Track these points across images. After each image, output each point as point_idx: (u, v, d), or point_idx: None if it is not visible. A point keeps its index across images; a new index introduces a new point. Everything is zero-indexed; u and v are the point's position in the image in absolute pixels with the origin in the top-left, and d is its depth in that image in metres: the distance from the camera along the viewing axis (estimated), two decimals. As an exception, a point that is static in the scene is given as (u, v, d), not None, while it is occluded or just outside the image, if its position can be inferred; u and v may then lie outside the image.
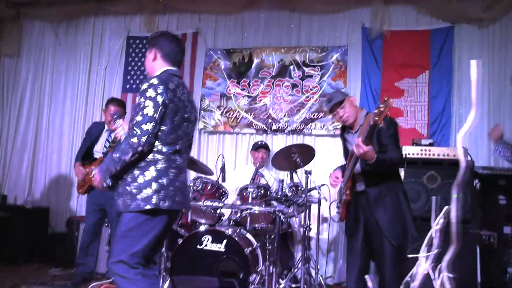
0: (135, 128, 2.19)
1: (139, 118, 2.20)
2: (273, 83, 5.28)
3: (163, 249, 3.87)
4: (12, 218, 5.10)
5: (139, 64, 5.69)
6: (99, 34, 5.94)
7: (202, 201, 3.86)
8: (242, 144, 5.34)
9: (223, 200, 4.01)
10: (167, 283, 3.59)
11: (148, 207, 2.20)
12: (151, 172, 2.23)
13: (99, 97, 5.81)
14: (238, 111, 5.33)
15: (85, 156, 4.24)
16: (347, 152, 3.23)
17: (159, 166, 2.26)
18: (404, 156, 3.86)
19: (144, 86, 2.26)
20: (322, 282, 4.07)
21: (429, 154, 3.87)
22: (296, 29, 5.36)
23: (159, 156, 2.27)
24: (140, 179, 2.22)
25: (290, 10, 5.36)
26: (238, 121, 5.34)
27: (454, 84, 4.83)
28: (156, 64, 2.46)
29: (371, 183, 2.94)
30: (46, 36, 6.13)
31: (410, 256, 2.16)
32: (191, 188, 3.98)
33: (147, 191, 2.21)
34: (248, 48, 5.43)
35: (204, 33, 5.61)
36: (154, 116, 2.21)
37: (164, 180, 2.25)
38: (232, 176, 4.71)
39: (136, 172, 2.24)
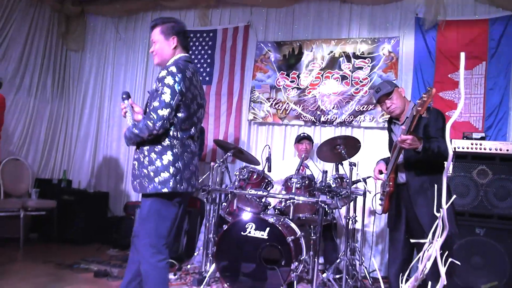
0: (152, 112, 2.31)
1: (156, 103, 2.31)
2: (322, 75, 5.29)
3: (211, 235, 4.06)
4: (76, 201, 5.51)
5: (193, 56, 5.88)
6: (156, 29, 6.21)
7: (248, 189, 3.98)
8: (291, 135, 5.39)
9: (268, 189, 4.11)
10: (213, 266, 3.75)
11: (165, 190, 2.33)
12: (168, 156, 2.35)
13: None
14: (287, 103, 5.40)
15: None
16: (392, 144, 3.22)
17: (175, 150, 2.38)
18: (453, 149, 3.77)
19: (163, 73, 2.36)
20: (367, 274, 4.08)
21: (480, 148, 3.74)
22: (347, 21, 5.33)
23: (175, 141, 2.38)
24: (158, 163, 2.34)
25: (340, 1, 5.33)
26: (287, 112, 5.40)
27: (513, 76, 4.61)
28: (175, 51, 2.54)
29: (412, 174, 2.92)
30: (107, 31, 6.51)
31: (413, 241, 2.14)
32: (237, 176, 4.12)
33: (165, 175, 2.33)
34: (298, 41, 5.47)
35: (255, 26, 5.71)
36: (171, 102, 2.31)
37: (180, 164, 2.38)
38: (280, 166, 4.80)
39: (153, 155, 2.36)
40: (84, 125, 6.45)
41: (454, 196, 1.55)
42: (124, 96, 2.54)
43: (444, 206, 1.10)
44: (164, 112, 2.31)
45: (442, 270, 1.12)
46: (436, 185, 2.84)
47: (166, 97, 2.31)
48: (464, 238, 3.63)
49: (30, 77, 6.00)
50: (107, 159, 6.27)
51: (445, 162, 3.33)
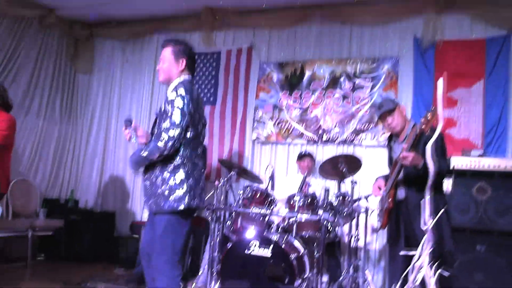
0: (163, 133, 2.42)
1: (166, 124, 2.43)
2: (324, 95, 5.40)
3: (215, 253, 4.12)
4: (83, 221, 5.60)
5: (197, 77, 6.02)
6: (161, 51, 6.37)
7: (252, 208, 4.05)
8: (294, 154, 5.46)
9: (271, 207, 4.18)
10: (218, 284, 3.80)
11: (181, 207, 2.44)
12: (180, 175, 2.47)
13: (161, 110, 6.23)
14: (290, 122, 5.50)
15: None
16: (391, 161, 3.30)
17: (187, 168, 2.50)
18: (452, 167, 3.85)
19: (172, 96, 2.48)
20: (370, 291, 4.11)
21: (479, 165, 3.82)
22: (347, 41, 5.45)
23: (185, 160, 2.50)
24: (171, 181, 2.46)
25: (341, 22, 5.46)
26: (290, 131, 5.50)
27: (510, 93, 4.69)
28: (182, 73, 2.66)
29: (412, 191, 2.99)
30: (115, 54, 6.69)
31: (402, 253, 2.21)
32: (241, 195, 4.20)
33: (179, 192, 2.45)
34: (300, 61, 5.60)
35: (258, 47, 5.85)
36: (181, 123, 2.43)
37: (192, 181, 2.50)
38: (284, 183, 4.88)
39: (166, 174, 2.47)
40: (91, 145, 6.58)
41: (440, 209, 1.62)
42: (127, 123, 2.66)
43: (428, 225, 1.18)
44: (175, 132, 2.42)
45: (432, 282, 1.20)
46: (434, 202, 2.91)
47: (176, 118, 2.43)
48: (466, 255, 3.67)
49: (39, 100, 6.17)
50: (114, 179, 6.37)
51: (448, 180, 3.42)
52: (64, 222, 5.49)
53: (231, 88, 5.86)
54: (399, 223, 3.07)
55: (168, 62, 2.65)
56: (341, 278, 4.01)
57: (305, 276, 3.77)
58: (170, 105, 2.47)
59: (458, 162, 3.88)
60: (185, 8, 5.83)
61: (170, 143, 2.41)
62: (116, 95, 6.58)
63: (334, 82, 5.38)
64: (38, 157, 6.16)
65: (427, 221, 1.16)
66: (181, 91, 2.48)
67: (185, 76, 2.65)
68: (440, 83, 1.13)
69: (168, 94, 2.55)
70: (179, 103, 2.45)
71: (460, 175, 3.83)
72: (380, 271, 4.86)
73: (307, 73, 5.52)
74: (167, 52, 2.66)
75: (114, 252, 5.47)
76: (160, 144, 2.41)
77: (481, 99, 4.80)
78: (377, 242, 4.86)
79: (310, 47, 5.62)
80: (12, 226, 5.05)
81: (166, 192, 2.45)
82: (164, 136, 2.41)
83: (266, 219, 4.13)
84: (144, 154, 2.47)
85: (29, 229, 5.07)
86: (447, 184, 3.81)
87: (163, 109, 2.53)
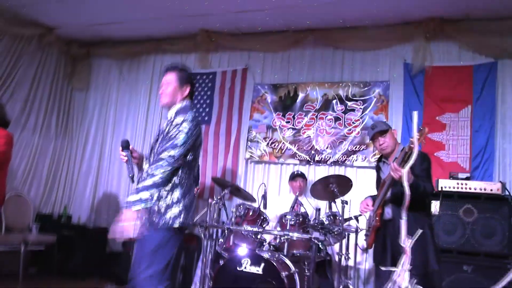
0: (164, 152, 2.50)
1: (168, 146, 2.51)
2: (316, 116, 5.53)
3: (207, 270, 4.17)
4: (75, 237, 5.62)
5: (193, 97, 6.12)
6: (158, 71, 6.51)
7: (244, 226, 4.12)
8: (286, 173, 5.56)
9: (264, 226, 4.25)
10: (209, 302, 3.85)
11: (177, 224, 2.52)
12: (177, 193, 2.56)
13: (156, 128, 6.33)
14: (283, 143, 5.61)
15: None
16: (379, 181, 3.41)
17: (184, 189, 2.59)
18: (440, 189, 3.96)
19: (179, 119, 2.58)
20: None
21: (466, 188, 3.93)
22: (339, 66, 5.61)
23: (183, 181, 2.60)
24: (168, 199, 2.54)
25: (333, 47, 5.64)
26: (282, 152, 5.61)
27: (497, 118, 4.84)
28: (185, 98, 2.78)
29: (399, 210, 3.08)
30: (111, 72, 6.81)
31: (383, 268, 2.29)
32: (234, 213, 4.28)
33: (175, 210, 2.53)
34: (293, 83, 5.74)
35: (253, 69, 6.00)
36: (183, 145, 2.54)
37: (187, 201, 2.59)
38: (276, 202, 4.96)
39: (164, 192, 2.55)
40: (86, 162, 6.64)
41: (425, 229, 1.69)
42: (123, 145, 2.74)
43: (406, 245, 1.27)
44: (175, 152, 2.51)
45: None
46: (420, 223, 3.01)
47: (180, 141, 2.53)
48: (453, 275, 3.76)
49: (36, 116, 6.25)
50: (107, 195, 6.41)
51: (436, 202, 3.52)
52: (57, 237, 5.51)
53: (226, 108, 5.99)
54: (386, 242, 3.15)
55: (173, 87, 2.75)
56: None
57: (296, 294, 3.83)
58: (175, 128, 2.56)
59: (445, 184, 3.99)
60: (181, 29, 5.98)
61: (172, 163, 2.49)
62: (112, 113, 6.67)
63: (326, 105, 5.52)
64: (33, 173, 6.20)
65: (405, 241, 1.25)
66: (188, 117, 2.59)
67: (186, 102, 2.77)
68: (415, 115, 1.24)
69: (171, 117, 2.65)
70: (184, 127, 2.56)
71: (447, 197, 3.94)
72: (370, 290, 4.92)
73: (301, 95, 5.66)
74: (172, 78, 2.77)
75: (107, 268, 5.48)
76: (164, 163, 2.47)
77: (468, 123, 4.94)
78: (367, 261, 4.93)
79: (303, 70, 5.78)
80: (5, 240, 5.06)
81: (163, 209, 2.52)
82: (166, 155, 2.49)
83: (258, 237, 4.21)
84: (149, 183, 2.45)
85: (22, 243, 5.08)
86: (435, 206, 3.92)
87: (166, 130, 2.61)
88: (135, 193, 2.42)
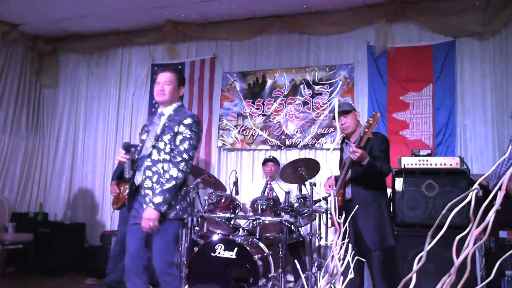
0: (184, 154, 2.68)
1: (186, 146, 2.69)
2: (285, 102, 5.64)
3: (183, 258, 4.27)
4: (52, 233, 5.65)
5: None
6: (126, 63, 6.51)
7: (217, 213, 4.23)
8: (259, 159, 5.68)
9: (236, 211, 4.37)
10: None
11: (185, 216, 2.78)
12: (183, 190, 2.77)
13: (128, 121, 6.35)
14: (254, 129, 5.71)
15: (120, 176, 4.67)
16: (342, 162, 3.55)
17: (186, 183, 2.81)
18: (402, 166, 4.13)
19: (188, 121, 2.74)
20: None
21: (427, 164, 4.10)
22: (305, 51, 5.71)
23: (187, 177, 2.81)
24: (178, 194, 2.72)
25: (299, 33, 5.72)
26: (254, 138, 5.71)
27: (457, 96, 5.03)
28: (179, 99, 2.96)
29: (357, 190, 3.24)
30: (80, 67, 6.76)
31: (322, 244, 2.43)
32: (207, 201, 4.38)
33: (183, 204, 2.74)
34: (261, 70, 5.82)
35: (221, 58, 6.05)
36: (196, 145, 2.77)
37: (189, 198, 2.86)
38: (249, 188, 5.07)
39: None
40: (59, 158, 6.63)
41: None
42: (125, 148, 2.86)
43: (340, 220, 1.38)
44: (193, 153, 2.74)
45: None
46: (377, 201, 3.17)
47: (194, 141, 2.73)
48: (417, 248, 3.93)
49: (5, 114, 6.19)
50: (83, 191, 6.43)
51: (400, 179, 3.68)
52: (34, 235, 5.53)
53: (196, 98, 6.04)
54: (347, 222, 3.31)
55: (173, 87, 2.88)
56: (303, 276, 4.21)
57: (270, 275, 3.97)
58: (186, 128, 2.72)
59: (408, 161, 4.15)
60: (148, 21, 5.98)
61: (190, 162, 2.72)
62: (83, 108, 6.65)
63: (294, 90, 5.63)
64: (5, 172, 6.17)
65: (333, 217, 1.35)
66: (197, 118, 2.82)
67: (179, 102, 2.95)
68: (336, 103, 1.34)
69: (171, 115, 2.81)
70: (195, 128, 2.76)
71: (410, 173, 4.09)
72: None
73: (269, 82, 5.75)
74: (172, 78, 2.89)
75: (85, 263, 5.53)
76: (182, 164, 2.66)
77: (430, 101, 5.12)
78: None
79: (270, 57, 5.86)
80: (-20, 241, 5.07)
81: (173, 202, 2.69)
82: (186, 156, 2.68)
83: (232, 223, 4.32)
84: (169, 185, 2.63)
85: (-2, 243, 5.11)
86: (399, 182, 4.09)
87: (176, 130, 2.72)
88: (160, 195, 2.60)
